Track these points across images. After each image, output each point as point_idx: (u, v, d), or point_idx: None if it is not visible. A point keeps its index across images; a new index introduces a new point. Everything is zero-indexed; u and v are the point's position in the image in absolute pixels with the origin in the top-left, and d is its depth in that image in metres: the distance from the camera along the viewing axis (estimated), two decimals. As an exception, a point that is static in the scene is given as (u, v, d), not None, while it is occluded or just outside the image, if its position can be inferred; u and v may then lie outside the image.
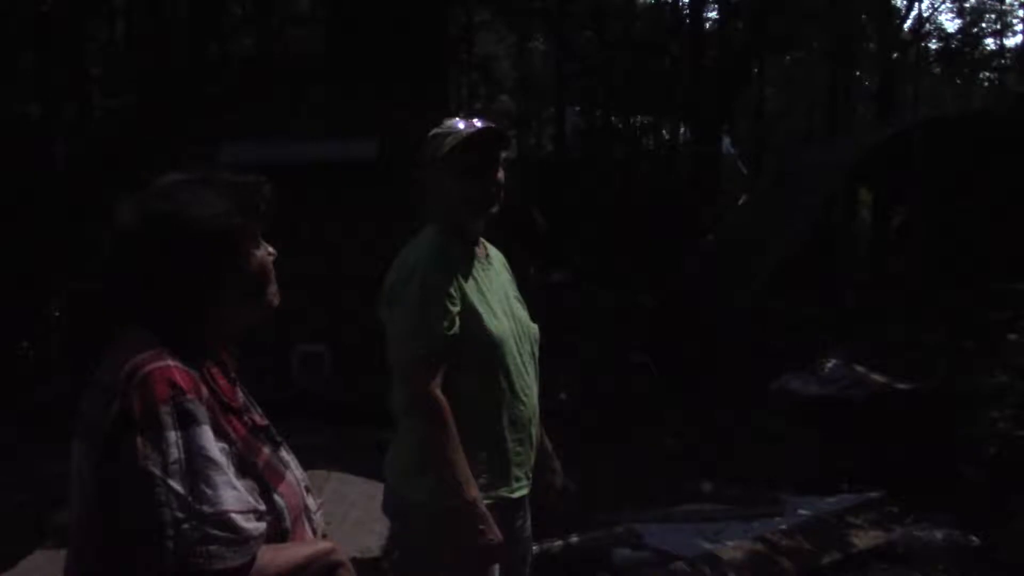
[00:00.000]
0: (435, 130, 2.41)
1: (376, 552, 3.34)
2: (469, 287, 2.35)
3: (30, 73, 11.49)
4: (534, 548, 2.86)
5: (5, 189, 8.94)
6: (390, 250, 2.47)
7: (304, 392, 7.16)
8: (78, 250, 8.01)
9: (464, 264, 2.38)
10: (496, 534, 2.22)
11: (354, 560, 1.65)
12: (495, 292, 2.43)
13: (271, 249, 1.59)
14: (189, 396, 1.38)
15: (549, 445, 2.64)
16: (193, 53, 13.81)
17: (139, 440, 1.33)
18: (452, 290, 2.30)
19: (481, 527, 2.20)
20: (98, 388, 1.41)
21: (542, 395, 2.54)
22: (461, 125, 2.37)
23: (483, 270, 2.44)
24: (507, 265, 2.61)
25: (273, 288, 1.59)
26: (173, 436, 1.34)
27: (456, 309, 2.29)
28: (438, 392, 2.23)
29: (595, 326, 10.24)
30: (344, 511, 3.78)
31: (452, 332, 2.27)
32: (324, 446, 5.23)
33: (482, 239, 2.50)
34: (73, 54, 11.96)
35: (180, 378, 1.39)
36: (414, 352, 2.26)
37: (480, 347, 2.32)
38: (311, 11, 19.02)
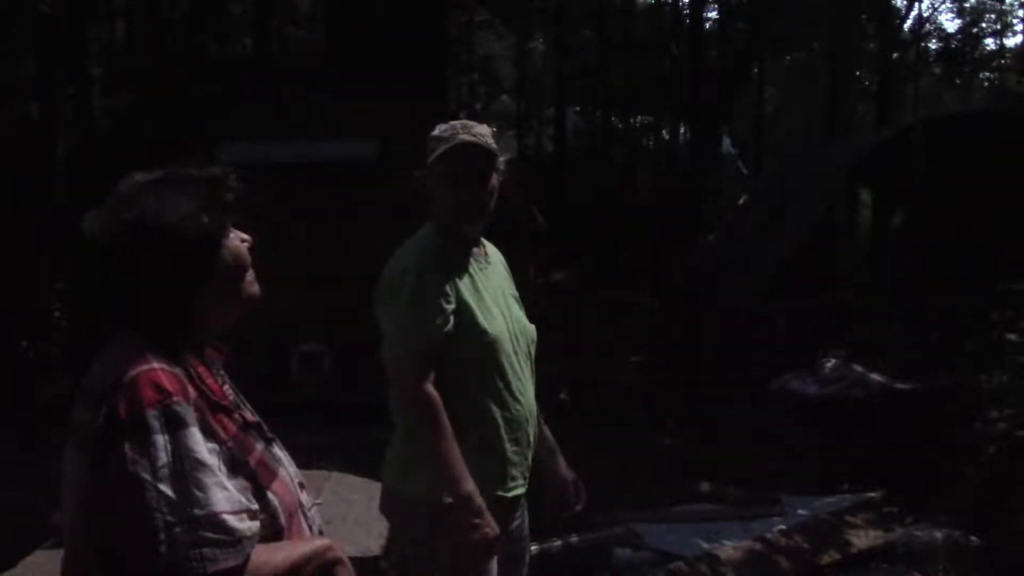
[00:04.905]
0: (434, 131, 2.40)
1: (376, 552, 3.34)
2: (464, 286, 2.34)
3: (30, 73, 11.50)
4: (533, 548, 2.85)
5: (5, 189, 8.94)
6: (390, 250, 2.46)
7: (304, 392, 7.17)
8: (78, 250, 8.00)
9: (460, 263, 2.37)
10: (492, 527, 2.21)
11: (354, 560, 1.64)
12: (492, 291, 2.42)
13: (244, 236, 1.55)
14: (176, 399, 1.37)
15: (552, 441, 2.62)
16: (193, 53, 13.83)
17: (127, 446, 1.32)
18: (447, 288, 2.30)
19: (476, 521, 2.19)
20: (87, 394, 1.40)
21: (540, 395, 2.53)
22: (459, 129, 2.35)
23: (480, 269, 2.43)
24: (506, 265, 2.61)
25: (250, 277, 1.56)
26: (161, 440, 1.33)
27: (451, 307, 2.29)
28: (430, 388, 2.23)
29: (595, 326, 10.25)
30: (344, 511, 3.76)
31: (446, 330, 2.27)
32: (324, 446, 5.23)
33: (482, 238, 2.50)
34: (73, 54, 11.96)
35: (167, 381, 1.38)
36: (405, 349, 2.26)
37: (475, 346, 2.31)
38: (311, 11, 19.07)
